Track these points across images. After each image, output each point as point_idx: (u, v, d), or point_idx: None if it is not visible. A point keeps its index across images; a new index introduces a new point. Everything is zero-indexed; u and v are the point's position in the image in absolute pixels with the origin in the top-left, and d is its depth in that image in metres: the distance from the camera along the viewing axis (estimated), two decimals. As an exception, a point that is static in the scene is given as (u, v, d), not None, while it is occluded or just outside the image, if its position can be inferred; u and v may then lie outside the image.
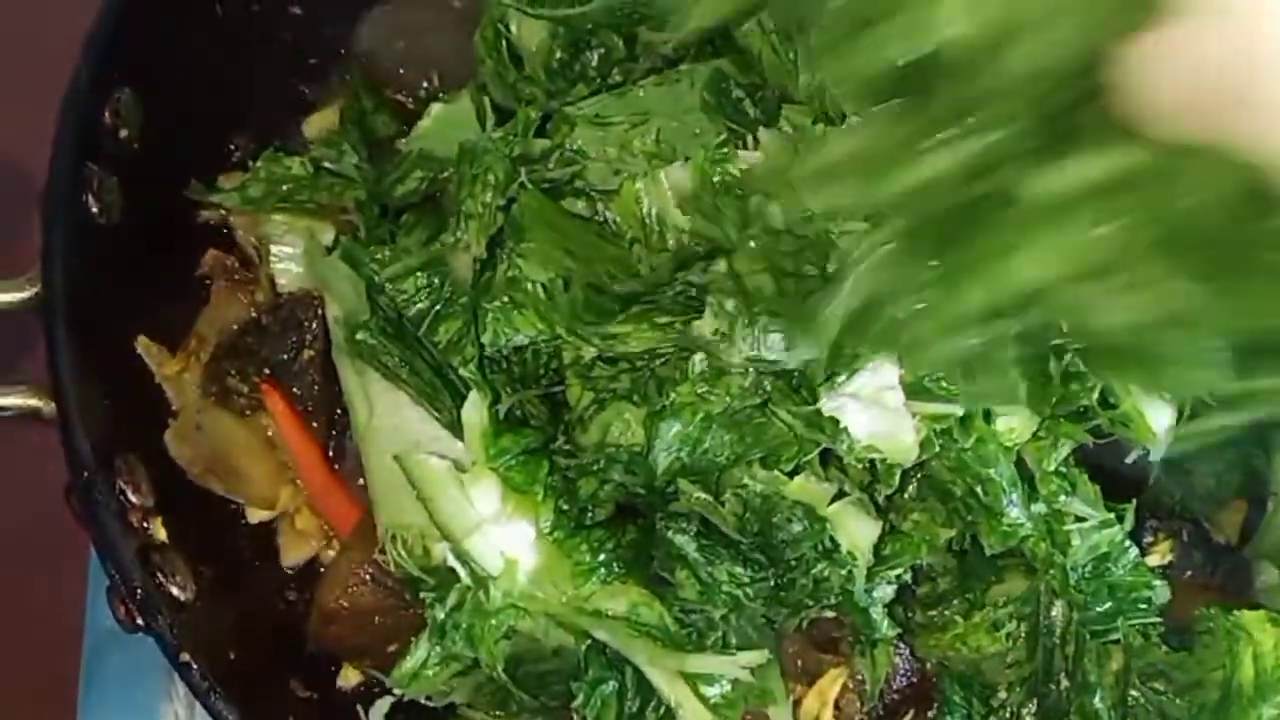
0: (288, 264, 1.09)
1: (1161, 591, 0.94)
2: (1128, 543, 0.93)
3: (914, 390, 0.87)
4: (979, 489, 0.89)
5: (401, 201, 1.04)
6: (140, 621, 0.95)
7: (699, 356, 0.87)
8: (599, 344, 0.89)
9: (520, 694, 0.95)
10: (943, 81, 0.63)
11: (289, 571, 1.11)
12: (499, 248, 0.93)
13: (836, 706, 1.01)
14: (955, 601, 0.98)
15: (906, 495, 0.93)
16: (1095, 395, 0.87)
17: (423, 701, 0.98)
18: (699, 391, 0.87)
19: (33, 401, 1.00)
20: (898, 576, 0.93)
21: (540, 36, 1.04)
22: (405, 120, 1.12)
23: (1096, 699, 0.93)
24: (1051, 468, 0.91)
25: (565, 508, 0.92)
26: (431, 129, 1.06)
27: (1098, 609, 0.94)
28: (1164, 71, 0.57)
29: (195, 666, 0.94)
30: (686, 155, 0.94)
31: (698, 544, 0.91)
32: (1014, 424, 0.89)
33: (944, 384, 0.86)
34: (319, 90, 1.21)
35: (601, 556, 0.92)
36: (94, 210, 1.03)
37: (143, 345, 1.09)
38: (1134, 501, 0.94)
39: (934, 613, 0.98)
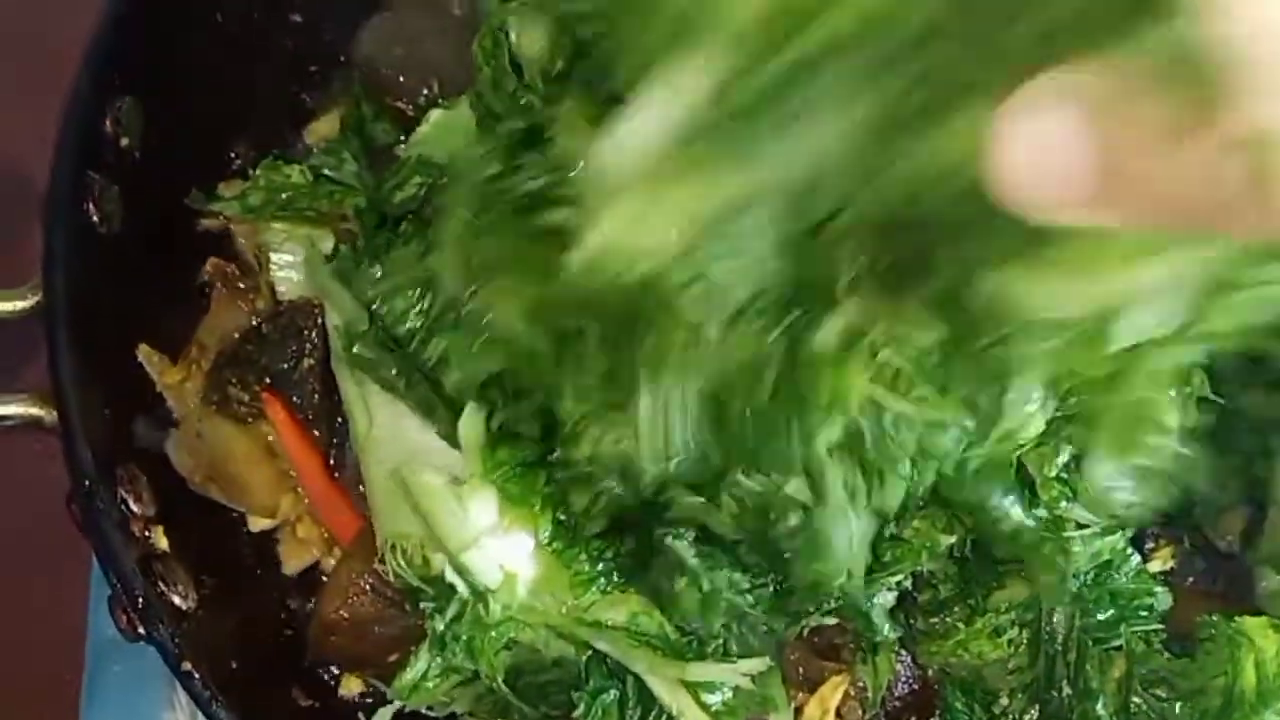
0: (288, 272, 1.09)
1: (1163, 598, 0.94)
2: (1129, 549, 0.93)
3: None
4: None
5: (400, 209, 1.03)
6: (142, 631, 0.95)
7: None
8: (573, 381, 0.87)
9: (521, 704, 0.94)
10: None
11: (290, 579, 1.11)
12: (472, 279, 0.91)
13: (838, 714, 1.01)
14: (956, 608, 0.97)
15: (906, 500, 0.93)
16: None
17: (424, 711, 0.98)
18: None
19: (34, 410, 0.99)
20: (898, 583, 0.92)
21: (540, 45, 1.04)
22: (405, 127, 1.11)
23: (1099, 706, 0.93)
24: (1052, 473, 0.91)
25: (563, 519, 0.91)
26: (430, 135, 1.05)
27: (1100, 616, 0.94)
28: None
29: (197, 675, 0.94)
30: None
31: (696, 550, 0.90)
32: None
33: None
34: (319, 97, 1.20)
35: (600, 566, 0.92)
36: (95, 219, 1.02)
37: (144, 354, 1.09)
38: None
39: (935, 619, 0.98)
